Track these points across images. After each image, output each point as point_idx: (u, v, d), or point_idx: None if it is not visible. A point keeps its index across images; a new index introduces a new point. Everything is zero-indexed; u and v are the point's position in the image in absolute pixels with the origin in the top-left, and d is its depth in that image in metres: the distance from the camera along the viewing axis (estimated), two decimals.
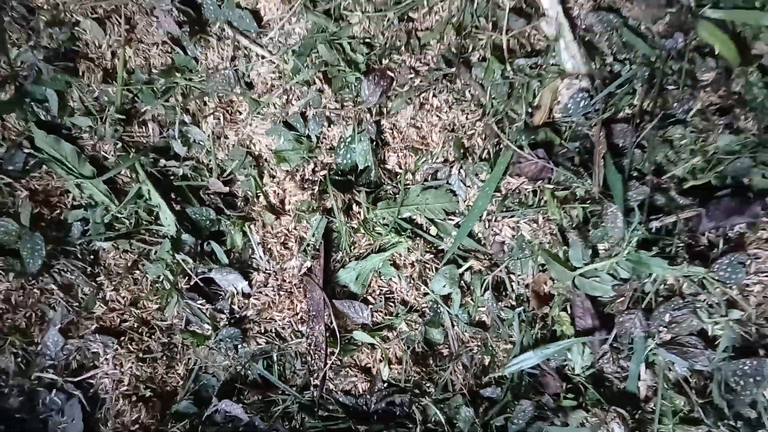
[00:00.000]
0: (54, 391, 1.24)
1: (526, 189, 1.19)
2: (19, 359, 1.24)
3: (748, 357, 1.08)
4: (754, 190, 1.14)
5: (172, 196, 1.26)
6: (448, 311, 1.21)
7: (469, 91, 1.20)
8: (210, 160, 1.27)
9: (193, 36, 1.25)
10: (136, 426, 1.20)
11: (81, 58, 1.29)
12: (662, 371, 1.15)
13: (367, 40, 1.21)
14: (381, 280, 1.22)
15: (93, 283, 1.26)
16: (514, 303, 1.21)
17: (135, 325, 1.24)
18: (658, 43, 1.21)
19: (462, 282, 1.21)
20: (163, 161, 1.27)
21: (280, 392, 1.20)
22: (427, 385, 1.21)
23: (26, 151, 1.30)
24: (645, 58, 1.21)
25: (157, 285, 1.24)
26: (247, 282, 1.22)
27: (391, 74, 1.19)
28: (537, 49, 1.21)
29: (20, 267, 1.26)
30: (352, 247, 1.22)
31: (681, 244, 1.13)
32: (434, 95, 1.20)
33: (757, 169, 1.14)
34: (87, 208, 1.28)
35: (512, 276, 1.21)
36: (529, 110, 1.21)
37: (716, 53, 1.21)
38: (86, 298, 1.26)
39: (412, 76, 1.19)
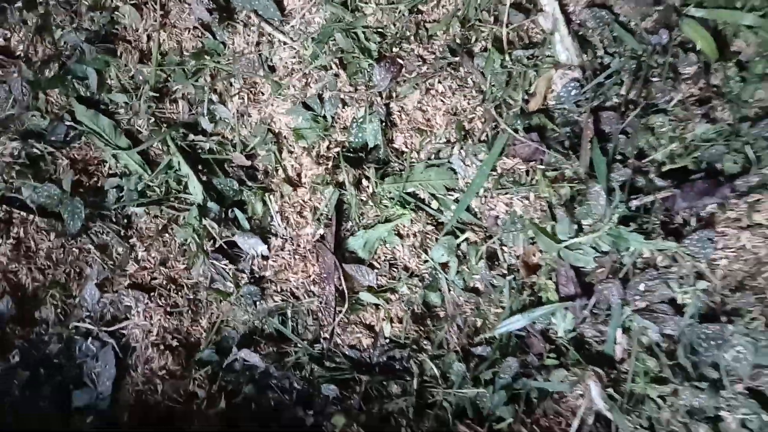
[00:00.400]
0: (90, 339, 1.38)
1: (520, 169, 1.31)
2: (59, 310, 1.38)
3: (712, 323, 1.21)
4: (726, 174, 1.25)
5: (200, 167, 1.39)
6: (445, 277, 1.33)
7: (471, 79, 1.32)
8: (234, 136, 1.40)
9: (221, 22, 1.37)
10: (163, 371, 1.33)
11: (119, 40, 1.42)
12: (636, 335, 1.28)
13: (380, 30, 1.33)
14: (386, 247, 1.34)
15: (126, 244, 1.40)
16: (505, 271, 1.33)
17: (164, 283, 1.38)
18: (645, 38, 1.32)
19: (459, 251, 1.33)
20: (191, 136, 1.40)
21: (292, 345, 1.34)
22: (425, 342, 1.34)
23: (68, 123, 1.43)
24: (633, 52, 1.32)
25: (184, 247, 1.37)
26: (266, 246, 1.35)
27: (401, 61, 1.31)
28: (534, 41, 1.33)
29: (61, 228, 1.40)
30: (361, 218, 1.34)
31: (657, 222, 1.24)
32: (439, 81, 1.32)
33: (730, 156, 1.26)
34: (122, 177, 1.42)
35: (504, 247, 1.33)
36: (525, 97, 1.33)
37: (697, 49, 1.32)
38: (120, 257, 1.40)
39: (420, 63, 1.31)
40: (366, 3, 1.30)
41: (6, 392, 1.35)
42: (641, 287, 1.26)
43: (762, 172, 1.24)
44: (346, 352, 1.34)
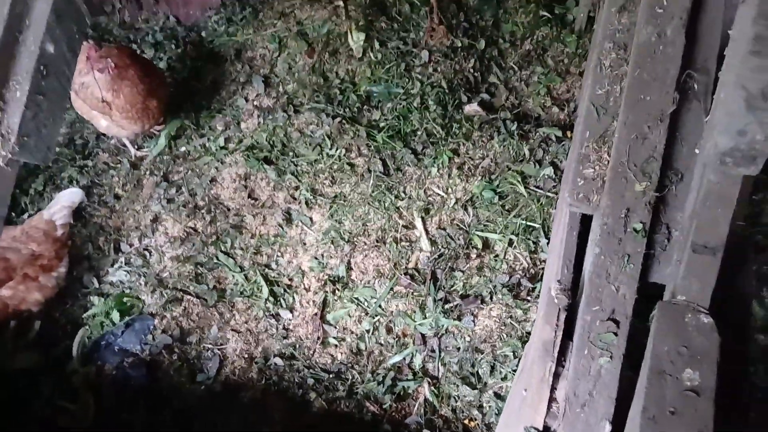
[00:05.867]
0: (209, 351, 3.12)
1: (402, 291, 3.13)
2: (198, 338, 3.15)
3: (479, 354, 2.90)
4: (483, 297, 3.06)
5: (268, 283, 3.26)
6: (367, 336, 3.07)
7: (385, 254, 3.22)
8: (284, 270, 3.29)
9: (287, 224, 3.36)
10: (240, 367, 3.04)
11: (244, 227, 3.42)
12: (447, 364, 2.96)
13: (348, 237, 3.29)
14: (343, 320, 3.11)
15: (231, 313, 3.21)
16: (394, 336, 3.07)
17: (245, 330, 3.15)
18: (457, 242, 3.24)
19: (374, 324, 3.09)
20: (267, 270, 3.27)
21: (300, 360, 3.05)
22: (355, 364, 3.03)
23: (215, 261, 3.37)
24: (453, 250, 3.23)
25: (257, 315, 3.18)
26: (292, 315, 3.15)
27: (355, 245, 3.25)
28: (412, 240, 3.25)
29: (205, 302, 3.24)
30: (334, 306, 3.15)
31: (454, 314, 3.01)
32: (370, 256, 3.23)
33: (486, 290, 3.07)
34: (234, 285, 3.29)
35: (395, 325, 3.09)
36: (407, 261, 3.21)
37: (480, 246, 3.22)
38: (228, 317, 3.21)
39: (365, 246, 3.24)
40: (341, 223, 3.30)
41: (168, 372, 3.08)
42: (447, 342, 2.99)
43: (498, 298, 3.04)
44: (320, 365, 3.04)
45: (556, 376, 1.97)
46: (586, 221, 2.26)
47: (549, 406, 1.94)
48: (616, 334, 1.91)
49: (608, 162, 2.09)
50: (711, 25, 2.17)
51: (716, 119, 1.62)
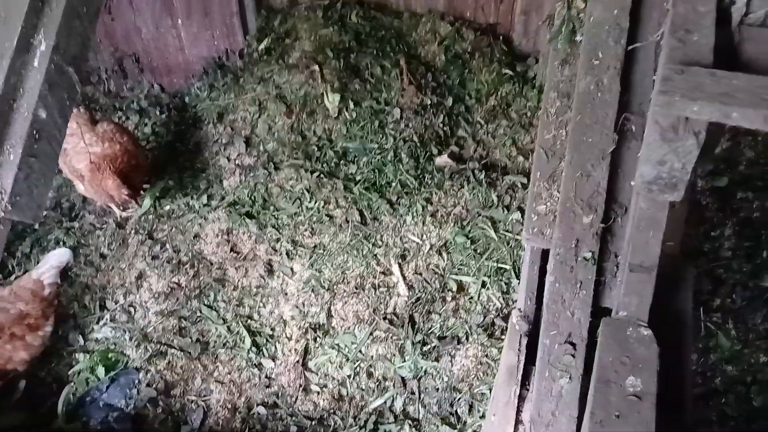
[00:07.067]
0: (193, 404, 3.22)
1: (381, 336, 3.29)
2: (182, 390, 3.26)
3: (457, 393, 3.03)
4: (460, 339, 3.22)
5: (251, 333, 3.40)
6: (348, 382, 3.20)
7: (365, 300, 3.40)
8: (267, 320, 3.44)
9: (269, 275, 3.54)
10: (223, 417, 3.14)
11: (227, 281, 3.59)
12: (429, 407, 3.08)
13: (326, 283, 3.48)
14: (324, 367, 3.25)
15: (214, 365, 3.34)
16: (376, 381, 3.20)
17: (228, 381, 3.25)
18: (433, 286, 3.43)
19: (356, 370, 3.22)
20: (249, 320, 3.44)
21: (283, 408, 3.16)
22: (339, 411, 3.14)
23: (198, 315, 3.52)
24: (428, 293, 3.41)
25: (239, 366, 3.30)
26: (274, 364, 3.28)
27: (335, 293, 3.42)
28: (390, 285, 3.43)
29: (189, 355, 3.36)
30: (315, 353, 3.29)
31: (432, 357, 3.16)
32: (350, 302, 3.41)
33: (462, 332, 3.23)
34: (218, 337, 3.43)
35: (375, 370, 3.23)
36: (384, 307, 3.38)
37: (455, 289, 3.40)
38: (211, 369, 3.33)
39: (345, 294, 3.42)
40: (321, 272, 3.48)
41: (153, 425, 3.16)
42: (426, 384, 3.12)
43: (474, 338, 3.19)
44: (303, 412, 3.15)
45: (522, 399, 2.12)
46: (546, 257, 2.47)
47: (516, 429, 2.08)
48: (573, 356, 2.08)
49: (558, 198, 2.32)
50: (643, 73, 2.46)
51: (642, 152, 1.86)
